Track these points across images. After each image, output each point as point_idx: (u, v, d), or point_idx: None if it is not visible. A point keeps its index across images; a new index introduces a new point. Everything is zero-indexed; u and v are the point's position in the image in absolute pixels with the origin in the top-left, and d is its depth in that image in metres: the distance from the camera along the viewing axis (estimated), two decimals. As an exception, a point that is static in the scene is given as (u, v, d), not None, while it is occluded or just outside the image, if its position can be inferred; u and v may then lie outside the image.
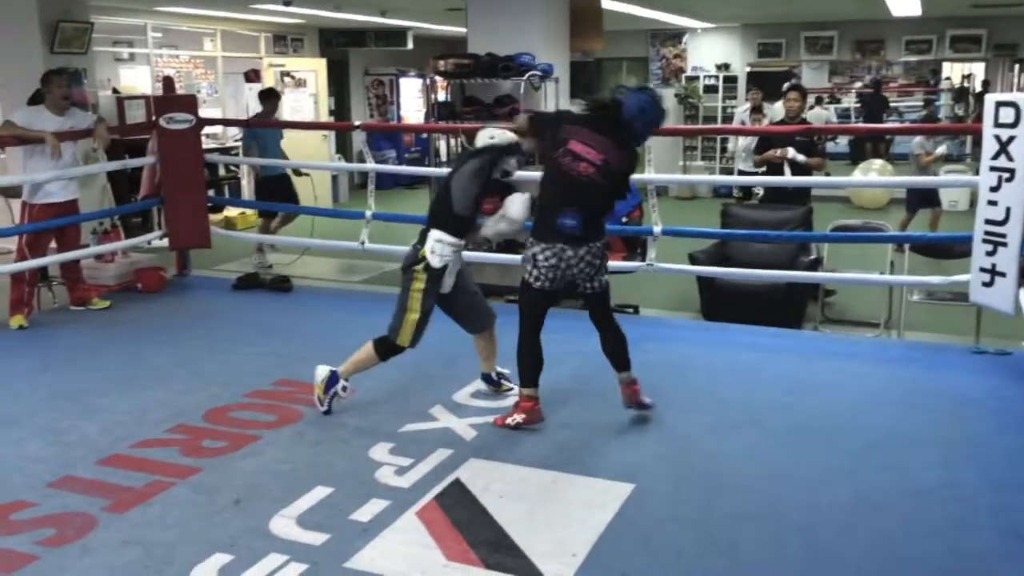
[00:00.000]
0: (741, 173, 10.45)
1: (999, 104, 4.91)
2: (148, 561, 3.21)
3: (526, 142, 4.40)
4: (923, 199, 9.33)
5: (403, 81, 16.32)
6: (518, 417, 4.32)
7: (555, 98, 7.43)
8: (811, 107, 12.77)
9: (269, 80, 12.46)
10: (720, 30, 15.16)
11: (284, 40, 14.27)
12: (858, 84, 15.56)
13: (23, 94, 7.23)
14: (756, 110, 11.04)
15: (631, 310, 6.62)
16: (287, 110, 12.26)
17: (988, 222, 5.01)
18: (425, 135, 13.13)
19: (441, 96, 8.38)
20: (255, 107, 12.01)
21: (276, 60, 13.33)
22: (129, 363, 5.42)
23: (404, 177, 14.14)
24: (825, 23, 14.49)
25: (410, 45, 14.85)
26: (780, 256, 6.73)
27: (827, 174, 8.58)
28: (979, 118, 5.38)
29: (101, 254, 7.20)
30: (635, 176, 4.76)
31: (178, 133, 7.20)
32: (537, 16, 7.38)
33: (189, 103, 7.46)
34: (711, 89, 15.34)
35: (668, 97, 14.84)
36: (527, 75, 7.05)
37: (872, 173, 12.38)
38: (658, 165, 6.30)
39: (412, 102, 16.52)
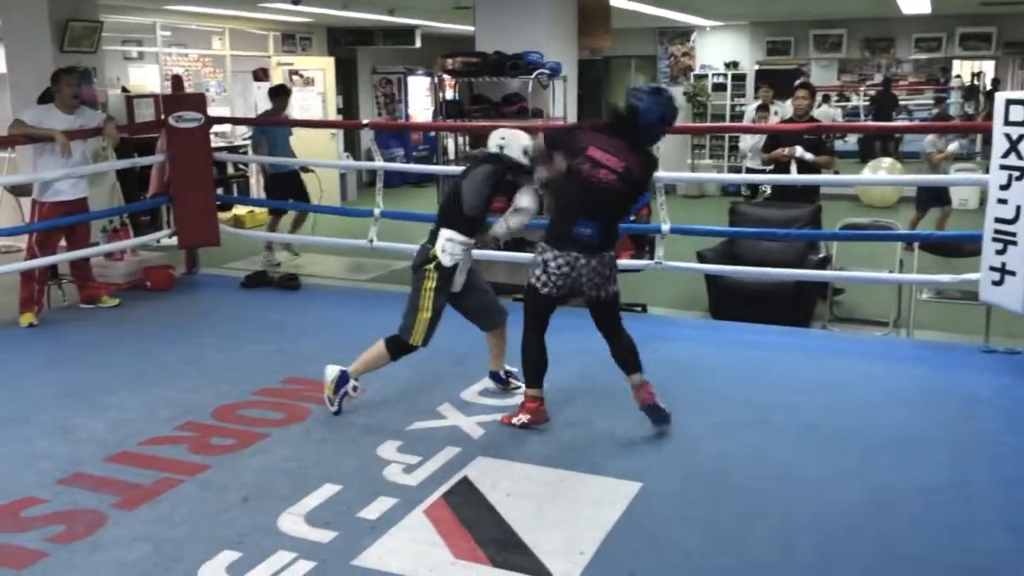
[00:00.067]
0: (749, 171, 10.43)
1: (1009, 102, 4.89)
2: (157, 558, 3.22)
3: (540, 170, 4.33)
4: (934, 198, 9.29)
5: (411, 79, 16.32)
6: (524, 417, 4.33)
7: (563, 96, 7.43)
8: (818, 105, 12.73)
9: (278, 79, 12.47)
10: (729, 28, 15.12)
11: (292, 39, 14.28)
12: (869, 82, 15.51)
13: (33, 93, 7.26)
14: (762, 108, 11.01)
15: (639, 308, 6.60)
16: (295, 109, 12.27)
17: (998, 220, 4.99)
18: (433, 133, 13.13)
19: (449, 94, 8.37)
20: (263, 105, 12.02)
21: (284, 59, 13.34)
22: (138, 361, 5.44)
23: (412, 175, 14.15)
24: (834, 21, 14.43)
25: (418, 43, 14.85)
26: (789, 254, 6.71)
27: (835, 172, 8.56)
28: (989, 116, 5.36)
29: (110, 252, 7.22)
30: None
31: (187, 132, 7.22)
32: (545, 14, 7.37)
33: (198, 102, 7.48)
34: (719, 87, 15.29)
35: (676, 95, 14.80)
36: (535, 73, 7.05)
37: (881, 171, 12.33)
38: (666, 163, 6.30)
39: (420, 100, 16.52)
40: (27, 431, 4.38)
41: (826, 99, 14.55)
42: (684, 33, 15.45)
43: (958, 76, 15.79)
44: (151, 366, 5.33)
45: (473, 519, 3.48)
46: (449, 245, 4.34)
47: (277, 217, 9.01)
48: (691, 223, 6.96)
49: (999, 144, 4.95)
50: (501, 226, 4.47)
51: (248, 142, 11.54)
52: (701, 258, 6.74)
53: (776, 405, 4.67)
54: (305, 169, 9.21)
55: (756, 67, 15.03)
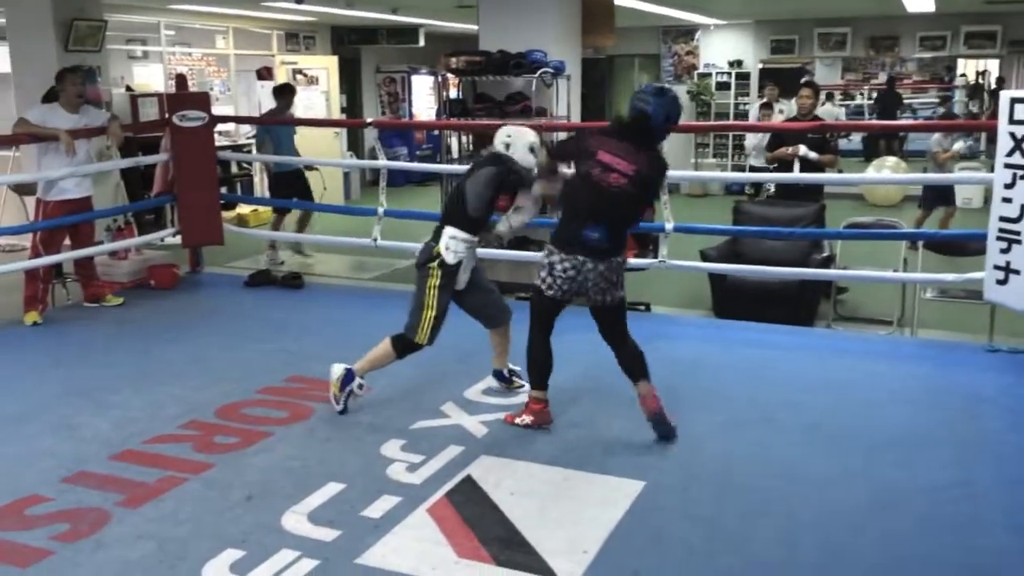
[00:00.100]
0: (753, 170, 10.42)
1: (1014, 101, 4.88)
2: (161, 556, 3.23)
3: (540, 185, 4.33)
4: (939, 197, 9.27)
5: (415, 78, 16.33)
6: (527, 418, 4.33)
7: (567, 95, 7.42)
8: (822, 103, 12.70)
9: (281, 78, 12.48)
10: (733, 27, 15.10)
11: (296, 38, 14.29)
12: (873, 81, 15.48)
13: (38, 92, 7.27)
14: (766, 106, 10.99)
15: (643, 307, 6.60)
16: (299, 108, 12.29)
17: (1003, 219, 4.98)
18: (437, 132, 13.12)
19: (453, 93, 8.36)
20: (267, 104, 12.02)
21: (288, 57, 13.35)
22: (142, 359, 5.45)
23: (416, 174, 14.16)
24: (838, 19, 14.41)
25: (422, 42, 14.86)
26: (792, 253, 6.70)
27: (839, 171, 8.54)
28: (994, 115, 5.35)
29: (115, 251, 7.23)
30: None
31: (191, 130, 7.22)
32: (549, 13, 7.37)
33: (202, 101, 7.48)
34: (723, 86, 15.28)
35: (680, 94, 14.76)
36: (539, 72, 7.04)
37: (885, 170, 12.31)
38: (670, 162, 6.23)
39: (424, 99, 16.52)
40: (31, 429, 4.39)
41: (829, 97, 14.52)
42: (688, 32, 15.43)
43: (963, 75, 15.76)
44: (155, 365, 5.34)
45: (476, 518, 3.48)
46: (453, 243, 4.35)
47: (281, 216, 9.02)
48: (695, 222, 6.95)
49: (1004, 143, 4.93)
50: (504, 225, 4.48)
51: (252, 141, 11.56)
52: (705, 257, 6.73)
53: (780, 404, 4.67)
54: (310, 168, 9.22)
55: (760, 66, 15.01)
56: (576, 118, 7.70)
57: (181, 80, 9.89)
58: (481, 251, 4.73)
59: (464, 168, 5.25)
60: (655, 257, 6.20)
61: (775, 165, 7.64)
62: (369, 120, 9.21)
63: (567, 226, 4.10)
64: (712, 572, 3.18)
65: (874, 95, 15.47)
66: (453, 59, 7.46)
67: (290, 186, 8.71)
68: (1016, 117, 4.84)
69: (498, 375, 4.85)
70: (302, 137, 9.39)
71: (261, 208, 11.03)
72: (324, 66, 13.34)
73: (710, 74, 15.36)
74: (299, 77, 12.83)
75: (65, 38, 8.27)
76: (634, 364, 4.19)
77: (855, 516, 3.51)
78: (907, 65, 15.39)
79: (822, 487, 3.76)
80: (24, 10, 8.37)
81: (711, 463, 4.00)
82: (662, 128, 4.07)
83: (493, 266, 6.56)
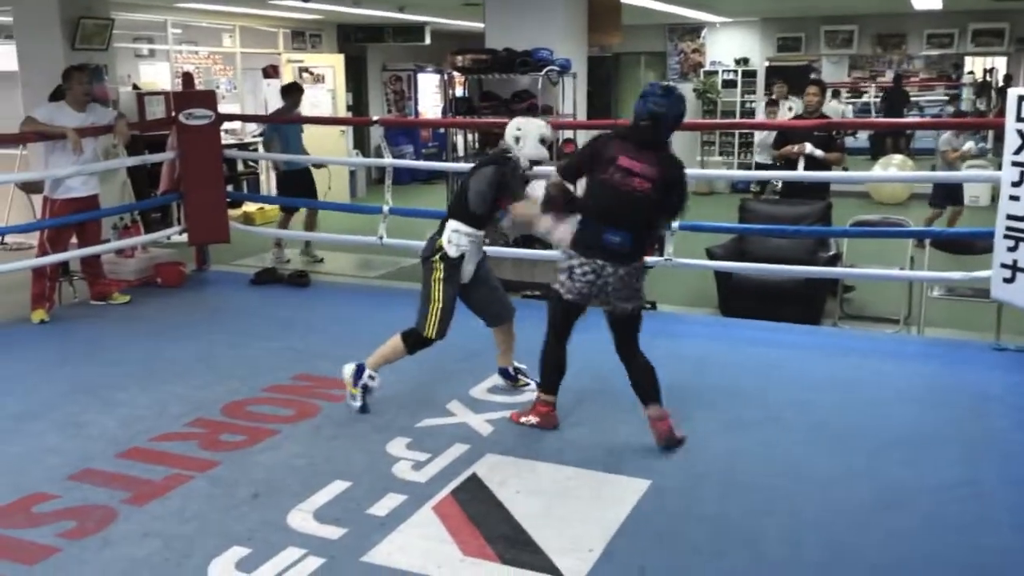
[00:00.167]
0: (759, 167, 10.40)
1: (1021, 98, 4.86)
2: (167, 554, 3.24)
3: (546, 220, 4.20)
4: (948, 195, 9.25)
5: (420, 76, 16.33)
6: (533, 419, 4.32)
7: (572, 93, 7.42)
8: (828, 101, 12.69)
9: (288, 76, 12.50)
10: (739, 24, 15.06)
11: (302, 36, 14.30)
12: (880, 79, 15.45)
13: (45, 90, 7.29)
14: (772, 104, 10.97)
15: (649, 306, 6.58)
16: (305, 106, 12.30)
17: (1010, 217, 4.97)
18: (442, 130, 13.12)
19: (459, 91, 8.36)
20: (273, 102, 12.05)
21: (294, 56, 13.37)
22: (148, 357, 5.46)
23: (421, 172, 14.17)
24: (845, 17, 14.36)
25: (428, 40, 14.86)
26: (799, 252, 6.69)
27: (844, 169, 8.52)
28: (1001, 112, 5.33)
29: (121, 249, 7.25)
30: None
31: (197, 129, 7.24)
32: (555, 11, 7.36)
33: (208, 99, 7.49)
34: (730, 84, 15.24)
35: (686, 92, 14.74)
36: (545, 70, 7.04)
37: (892, 168, 12.28)
38: (676, 160, 6.26)
39: (429, 97, 16.53)
40: (38, 427, 4.41)
41: (836, 95, 14.49)
42: (694, 29, 15.40)
43: (970, 72, 15.72)
44: (161, 362, 5.36)
45: (482, 516, 3.49)
46: (455, 236, 4.36)
47: (289, 215, 9.03)
48: (700, 220, 6.93)
49: (1011, 141, 4.92)
50: (508, 220, 4.45)
51: (258, 139, 11.57)
52: (711, 255, 6.72)
53: (786, 403, 4.66)
54: (318, 166, 9.23)
55: (766, 63, 14.97)
56: (582, 116, 7.70)
57: (187, 78, 9.88)
58: (488, 249, 4.72)
59: (470, 166, 5.25)
60: (661, 255, 6.19)
61: (781, 163, 7.63)
62: (375, 118, 9.24)
63: (587, 230, 4.05)
64: (717, 570, 3.17)
65: (880, 93, 15.44)
66: (459, 57, 7.46)
67: (298, 185, 8.73)
68: (1023, 115, 4.83)
69: (504, 373, 4.86)
70: (308, 135, 9.40)
71: (267, 206, 11.05)
72: (330, 64, 13.36)
73: (716, 72, 15.32)
74: (305, 75, 12.85)
75: (72, 36, 8.28)
76: (645, 383, 4.11)
77: (861, 515, 3.51)
78: (914, 63, 15.36)
79: (828, 486, 3.76)
80: (31, 9, 8.39)
81: (716, 462, 3.99)
82: (673, 128, 4.07)
83: (499, 264, 6.55)
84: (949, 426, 4.36)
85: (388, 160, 7.36)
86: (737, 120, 14.77)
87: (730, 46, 15.30)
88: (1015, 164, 4.90)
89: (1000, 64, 15.43)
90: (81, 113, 6.33)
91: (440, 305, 4.35)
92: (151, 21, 12.11)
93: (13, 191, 9.02)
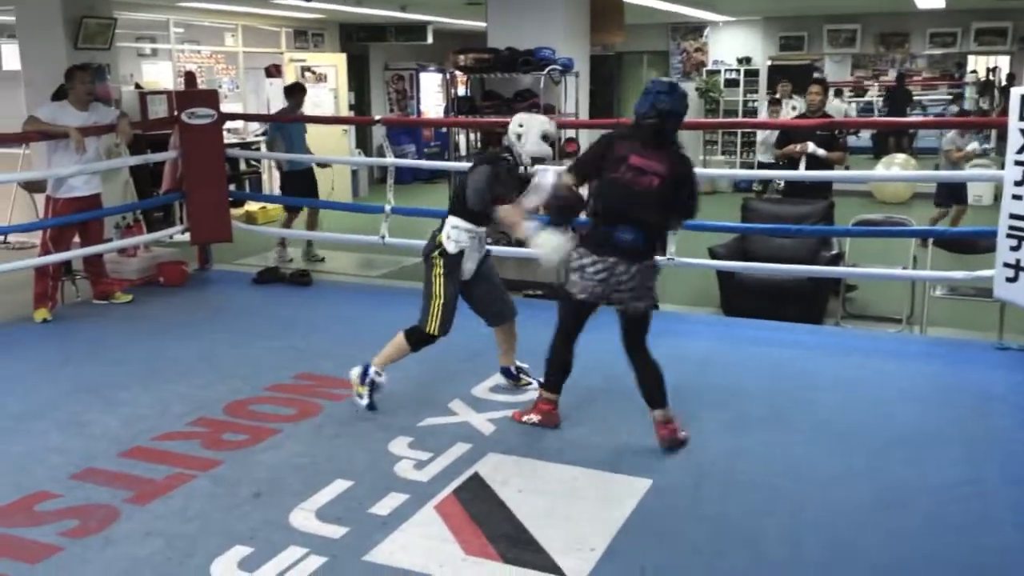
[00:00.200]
0: (761, 165, 10.39)
1: (1024, 97, 4.85)
2: (170, 553, 3.24)
3: (523, 229, 4.13)
4: (952, 195, 9.24)
5: (423, 76, 16.33)
6: (535, 417, 4.32)
7: (575, 92, 7.42)
8: (830, 100, 12.66)
9: (290, 75, 12.51)
10: (741, 23, 15.05)
11: (305, 35, 14.30)
12: (883, 78, 15.43)
13: (47, 89, 7.30)
14: (774, 103, 10.96)
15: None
16: (308, 105, 12.31)
17: (1013, 217, 4.97)
18: (445, 129, 13.12)
19: (461, 91, 8.37)
20: (275, 101, 12.07)
21: (297, 55, 13.37)
22: (151, 357, 5.46)
23: (423, 171, 14.17)
24: (848, 16, 14.34)
25: (430, 40, 14.86)
26: (801, 251, 6.69)
27: (846, 167, 8.51)
28: (1004, 112, 5.33)
29: (124, 248, 7.26)
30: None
31: (199, 128, 7.24)
32: (557, 10, 7.36)
33: (210, 98, 7.50)
34: (732, 83, 15.23)
35: (689, 91, 14.74)
36: (547, 69, 7.04)
37: (895, 167, 12.27)
38: (678, 159, 6.26)
39: (432, 97, 16.53)
40: (41, 426, 4.41)
41: (838, 94, 14.47)
42: (697, 28, 15.39)
43: (973, 71, 15.69)
44: (164, 362, 5.36)
45: (484, 515, 3.49)
46: (454, 232, 4.36)
47: (293, 215, 9.03)
48: (703, 219, 6.91)
49: (1014, 140, 4.91)
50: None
51: (260, 139, 11.58)
52: (713, 254, 6.72)
53: (788, 402, 4.66)
54: (322, 165, 9.25)
55: (769, 63, 14.96)
56: (584, 115, 7.70)
57: (190, 78, 9.87)
58: (490, 248, 4.71)
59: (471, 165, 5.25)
60: (663, 254, 6.18)
61: (784, 162, 7.62)
62: (377, 117, 9.22)
63: (598, 228, 4.04)
64: (719, 570, 3.17)
65: (883, 93, 15.41)
66: (461, 56, 7.46)
67: (300, 185, 8.74)
68: (1026, 114, 4.82)
69: (506, 372, 4.86)
70: (310, 135, 9.40)
71: (269, 205, 11.05)
72: (332, 63, 13.36)
73: (719, 71, 15.31)
74: (307, 74, 12.86)
75: (75, 36, 8.29)
76: (652, 386, 4.09)
77: (862, 514, 3.51)
78: (917, 62, 15.33)
79: (829, 485, 3.75)
80: (34, 8, 8.40)
81: (718, 461, 3.99)
82: (678, 125, 4.06)
83: (501, 264, 6.54)
84: (951, 425, 4.36)
85: (390, 159, 7.36)
86: (739, 119, 14.76)
87: (733, 45, 15.29)
88: (1018, 163, 4.90)
89: (1003, 63, 15.41)
90: (84, 112, 6.34)
91: (441, 301, 4.35)
92: (153, 20, 12.12)
93: (16, 190, 9.02)
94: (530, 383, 4.77)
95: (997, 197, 6.28)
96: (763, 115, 11.87)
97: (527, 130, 4.34)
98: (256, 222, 10.47)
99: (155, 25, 12.38)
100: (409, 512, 3.51)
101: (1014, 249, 4.97)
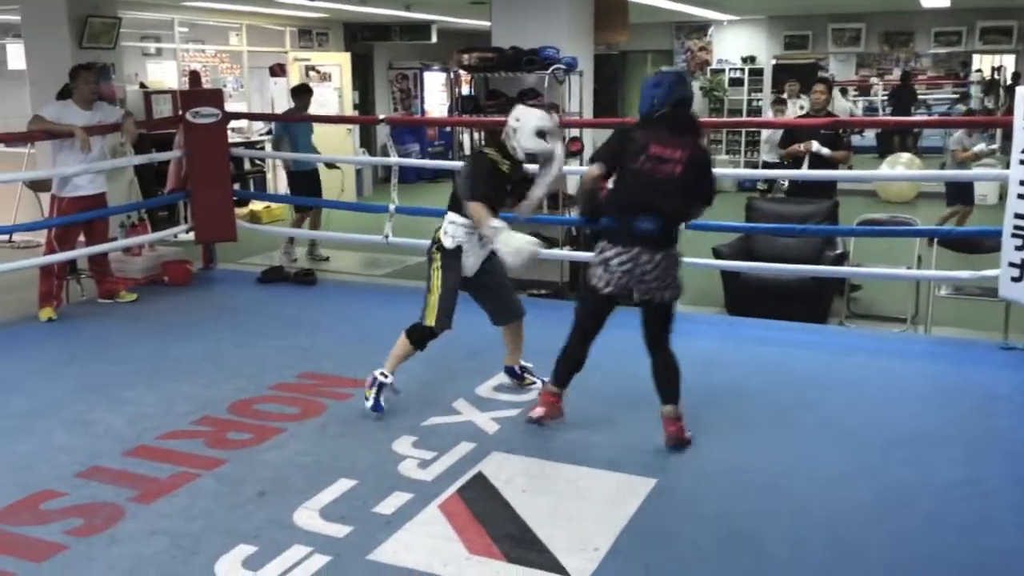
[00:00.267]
0: (766, 165, 10.38)
1: (1029, 97, 4.84)
2: (175, 551, 3.25)
3: (486, 227, 4.13)
4: (958, 194, 9.23)
5: (427, 75, 16.34)
6: (539, 411, 4.32)
7: (579, 91, 7.41)
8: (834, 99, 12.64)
9: (294, 74, 12.53)
10: (745, 22, 15.05)
11: (309, 34, 14.32)
12: (887, 77, 15.39)
13: (52, 89, 7.32)
14: (779, 102, 10.95)
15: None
16: (312, 104, 12.31)
17: (1018, 216, 4.95)
18: (449, 129, 13.12)
19: (465, 90, 8.36)
20: (280, 101, 12.08)
21: (301, 54, 13.39)
22: (155, 356, 5.48)
23: (427, 171, 14.16)
24: (853, 15, 14.34)
25: (434, 39, 14.87)
26: (805, 251, 6.68)
27: (850, 167, 8.49)
28: (1009, 111, 5.31)
29: (128, 247, 7.27)
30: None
31: (204, 127, 7.25)
32: (561, 9, 7.36)
33: (215, 97, 7.50)
34: (736, 82, 15.23)
35: (693, 90, 14.72)
36: (551, 68, 7.03)
37: (899, 167, 12.24)
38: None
39: (436, 96, 16.54)
40: (46, 425, 4.42)
41: (843, 93, 14.45)
42: (701, 27, 15.39)
43: (978, 70, 15.65)
44: (168, 361, 5.37)
45: (488, 515, 3.49)
46: (451, 228, 4.38)
47: (302, 215, 9.04)
48: (707, 219, 6.92)
49: (1019, 139, 4.90)
50: (535, 193, 4.40)
51: (265, 138, 11.59)
52: (717, 254, 6.71)
53: (792, 402, 4.66)
54: (330, 166, 9.27)
55: (773, 62, 14.95)
56: (588, 114, 7.69)
57: (195, 77, 9.94)
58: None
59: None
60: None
61: (789, 161, 7.61)
62: (381, 117, 9.22)
63: (620, 220, 4.02)
64: (722, 569, 3.17)
65: (888, 91, 15.38)
66: (465, 55, 7.45)
67: (305, 185, 8.75)
68: (1032, 113, 4.81)
69: (510, 371, 4.86)
70: (315, 134, 9.40)
71: (274, 205, 11.06)
72: (337, 63, 13.37)
73: (723, 70, 15.32)
74: (312, 73, 12.87)
75: (79, 35, 8.31)
76: (666, 381, 4.09)
77: (865, 514, 3.50)
78: (922, 61, 15.30)
79: (833, 485, 3.75)
80: (39, 7, 8.42)
81: (722, 461, 3.99)
82: (690, 108, 4.13)
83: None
84: (955, 425, 4.35)
85: (394, 159, 7.36)
86: (744, 118, 14.75)
87: (737, 44, 15.29)
88: (1023, 162, 4.88)
89: (1008, 62, 15.37)
90: (88, 111, 6.35)
91: (438, 293, 4.35)
92: (158, 20, 12.14)
93: (21, 189, 9.05)
94: (534, 383, 4.78)
95: (1002, 196, 6.27)
96: (767, 114, 11.85)
97: (522, 125, 4.30)
98: (260, 221, 10.49)
99: (160, 24, 12.40)
100: (413, 511, 3.51)
101: (1019, 249, 4.96)
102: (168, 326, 6.16)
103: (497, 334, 4.77)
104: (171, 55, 12.68)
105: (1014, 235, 4.98)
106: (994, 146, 10.33)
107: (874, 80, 15.74)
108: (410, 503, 3.57)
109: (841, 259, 6.70)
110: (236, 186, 9.44)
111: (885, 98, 15.51)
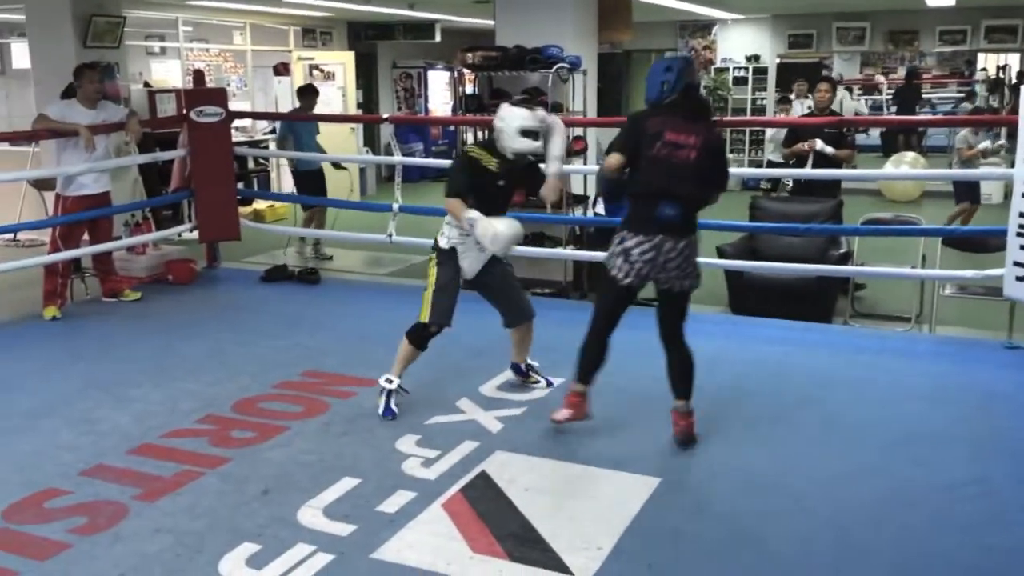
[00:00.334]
0: (770, 164, 10.37)
1: (1034, 95, 4.83)
2: (179, 550, 3.25)
3: (465, 219, 4.15)
4: (965, 193, 9.21)
5: (431, 74, 16.34)
6: (566, 412, 4.23)
7: (583, 90, 7.41)
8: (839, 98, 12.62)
9: (298, 73, 12.53)
10: (750, 21, 15.02)
11: (313, 33, 14.33)
12: (892, 76, 15.37)
13: (57, 88, 7.32)
14: (783, 101, 10.93)
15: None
16: (317, 104, 12.33)
17: (1023, 215, 4.94)
18: (452, 128, 13.13)
19: (469, 89, 8.35)
20: (283, 100, 12.09)
21: (305, 53, 13.39)
22: (160, 354, 5.48)
23: (431, 170, 14.13)
24: (857, 13, 14.30)
25: (438, 38, 14.87)
26: (810, 250, 6.67)
27: (853, 166, 8.48)
28: (1014, 110, 5.30)
29: (132, 246, 7.28)
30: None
31: (208, 126, 7.25)
32: (565, 8, 7.35)
33: (219, 96, 7.51)
34: (740, 81, 15.20)
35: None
36: (555, 67, 7.02)
37: (904, 166, 12.22)
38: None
39: (440, 95, 16.53)
40: (50, 423, 4.43)
41: (848, 90, 14.43)
42: (705, 26, 15.36)
43: (983, 69, 15.63)
44: (173, 359, 5.38)
45: (491, 513, 3.49)
46: (446, 228, 4.41)
47: (312, 213, 9.04)
48: (710, 218, 6.91)
49: (1024, 138, 4.89)
50: (551, 170, 4.35)
51: (269, 136, 11.59)
52: (721, 253, 6.71)
53: (796, 401, 4.65)
54: (338, 166, 9.28)
55: (777, 60, 14.93)
56: (592, 113, 7.68)
57: (199, 76, 9.94)
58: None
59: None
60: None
61: (793, 160, 7.60)
62: (385, 116, 9.24)
63: (639, 208, 3.98)
64: (727, 569, 3.17)
65: (892, 90, 15.36)
66: (469, 54, 7.45)
67: (310, 184, 8.76)
68: (1036, 112, 4.80)
69: (516, 369, 4.86)
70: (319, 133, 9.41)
71: (277, 204, 11.07)
72: (340, 62, 13.37)
73: (727, 69, 15.28)
74: (316, 72, 12.87)
75: (84, 34, 8.31)
76: (681, 376, 4.08)
77: (870, 513, 3.50)
78: (926, 59, 15.27)
79: (837, 484, 3.75)
80: (43, 7, 8.42)
81: (726, 459, 3.98)
82: (699, 91, 4.15)
83: (513, 263, 6.55)
84: (959, 424, 4.35)
85: (398, 158, 7.36)
86: (748, 117, 14.72)
87: (741, 43, 15.26)
88: (1028, 162, 4.87)
89: (1013, 61, 15.35)
90: (93, 110, 6.36)
91: (432, 288, 4.36)
92: (162, 19, 12.15)
93: (25, 188, 9.06)
94: (539, 381, 4.78)
95: (1007, 195, 6.24)
96: (771, 113, 11.85)
97: (506, 126, 4.26)
98: (264, 220, 10.50)
99: (164, 23, 12.42)
100: (416, 510, 3.51)
101: (1024, 248, 4.95)
102: (172, 325, 6.16)
103: (501, 333, 4.76)
104: (175, 54, 12.69)
105: (1019, 234, 4.97)
106: (1001, 142, 10.30)
107: (880, 79, 15.72)
108: (413, 502, 3.57)
109: (845, 258, 6.69)
110: (240, 185, 9.47)
111: (890, 97, 15.49)
